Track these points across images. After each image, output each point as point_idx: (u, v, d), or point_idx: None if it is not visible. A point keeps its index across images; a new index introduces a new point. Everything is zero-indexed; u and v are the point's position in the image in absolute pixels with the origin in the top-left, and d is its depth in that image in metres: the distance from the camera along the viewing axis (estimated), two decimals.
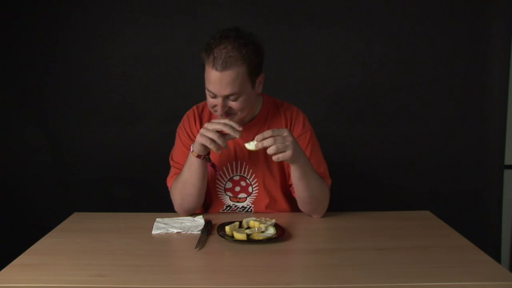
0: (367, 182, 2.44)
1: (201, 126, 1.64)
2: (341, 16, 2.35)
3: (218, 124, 1.43)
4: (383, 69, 2.39)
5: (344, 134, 2.40)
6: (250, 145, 1.42)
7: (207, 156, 1.53)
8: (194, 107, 1.70)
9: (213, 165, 1.58)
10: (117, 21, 2.35)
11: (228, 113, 1.49)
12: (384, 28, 2.36)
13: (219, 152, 1.48)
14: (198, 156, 1.50)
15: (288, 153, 1.39)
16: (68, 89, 2.39)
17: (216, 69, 1.41)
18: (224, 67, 1.40)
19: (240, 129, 1.43)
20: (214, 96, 1.47)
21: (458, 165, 2.44)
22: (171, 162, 1.67)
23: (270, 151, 1.39)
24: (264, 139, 1.39)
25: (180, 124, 1.69)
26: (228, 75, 1.41)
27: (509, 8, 2.31)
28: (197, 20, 2.34)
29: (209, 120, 1.64)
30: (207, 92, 1.49)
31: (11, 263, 1.23)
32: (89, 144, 2.42)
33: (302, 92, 2.34)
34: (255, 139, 1.40)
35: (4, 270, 1.19)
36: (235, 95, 1.45)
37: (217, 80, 1.42)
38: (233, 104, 1.47)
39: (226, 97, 1.46)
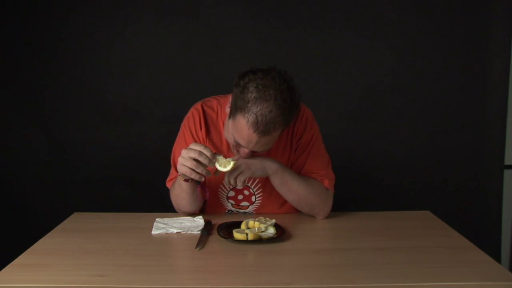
0: (367, 182, 2.43)
1: (206, 131, 1.59)
2: (341, 16, 2.35)
3: (194, 152, 1.37)
4: (383, 69, 2.38)
5: (344, 134, 2.39)
6: (221, 167, 1.41)
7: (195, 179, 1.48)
8: (201, 106, 1.62)
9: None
10: (117, 21, 2.35)
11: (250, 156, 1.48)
12: (384, 28, 2.36)
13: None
14: (186, 180, 1.47)
15: (244, 174, 1.45)
16: (68, 89, 2.39)
17: (255, 132, 1.32)
18: (265, 133, 1.32)
19: (215, 160, 1.39)
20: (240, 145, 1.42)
21: (458, 164, 2.44)
22: (173, 164, 1.64)
23: (239, 185, 1.46)
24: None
25: (185, 122, 1.63)
26: (266, 139, 1.35)
27: (509, 8, 2.31)
28: (197, 20, 2.33)
29: (214, 128, 1.60)
30: (231, 136, 1.43)
31: (11, 263, 1.23)
32: (89, 144, 2.42)
33: (301, 92, 2.33)
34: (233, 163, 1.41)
35: (4, 270, 1.19)
36: (266, 151, 1.45)
37: (253, 141, 1.36)
38: (260, 153, 1.47)
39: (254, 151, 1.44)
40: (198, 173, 1.38)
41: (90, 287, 1.12)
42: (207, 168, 1.40)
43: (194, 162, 1.37)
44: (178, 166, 1.41)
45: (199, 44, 2.31)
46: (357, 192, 2.38)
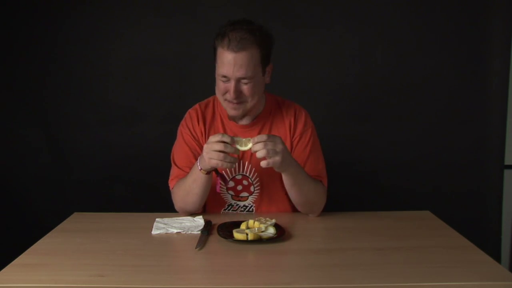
0: (367, 182, 2.43)
1: (204, 126, 1.64)
2: (341, 16, 2.35)
3: (218, 145, 1.40)
4: (383, 69, 2.39)
5: (344, 134, 2.40)
6: (242, 147, 1.42)
7: (215, 170, 1.53)
8: (197, 105, 1.69)
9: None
10: (117, 21, 2.35)
11: (239, 99, 1.50)
12: (384, 28, 2.36)
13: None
14: (208, 173, 1.50)
15: (277, 159, 1.40)
16: (68, 89, 2.39)
17: (232, 50, 1.44)
18: (239, 48, 1.44)
19: (235, 144, 1.42)
20: (227, 81, 1.48)
21: (458, 165, 2.44)
22: (173, 163, 1.66)
23: (259, 154, 1.39)
24: (258, 142, 1.40)
25: (183, 122, 1.68)
26: (243, 56, 1.44)
27: (509, 8, 2.31)
28: (197, 21, 2.34)
29: (212, 120, 1.65)
30: (218, 79, 1.51)
31: (11, 263, 1.23)
32: (89, 144, 2.42)
33: (301, 92, 2.34)
34: (252, 140, 1.41)
35: (4, 270, 1.19)
36: (248, 79, 1.48)
37: (232, 62, 1.44)
38: (245, 88, 1.49)
39: (238, 81, 1.47)
40: (227, 162, 1.42)
41: (90, 287, 1.12)
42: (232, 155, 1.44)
43: (221, 154, 1.41)
44: (206, 161, 1.43)
45: (199, 44, 2.30)
46: (357, 192, 2.38)
